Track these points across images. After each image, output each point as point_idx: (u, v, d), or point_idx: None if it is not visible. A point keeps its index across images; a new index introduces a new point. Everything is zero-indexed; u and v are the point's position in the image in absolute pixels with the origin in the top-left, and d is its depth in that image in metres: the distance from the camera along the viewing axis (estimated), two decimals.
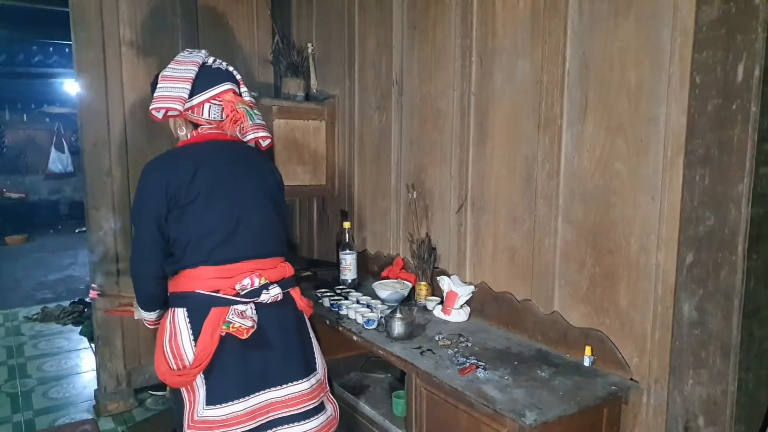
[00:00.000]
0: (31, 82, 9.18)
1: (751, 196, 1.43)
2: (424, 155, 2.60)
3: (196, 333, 1.76)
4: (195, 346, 1.75)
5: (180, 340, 1.77)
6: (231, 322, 1.76)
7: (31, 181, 11.23)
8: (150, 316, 1.97)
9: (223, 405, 1.75)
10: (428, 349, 1.99)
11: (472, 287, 2.31)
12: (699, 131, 1.52)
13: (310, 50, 3.33)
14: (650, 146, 1.69)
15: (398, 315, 2.10)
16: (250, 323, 1.77)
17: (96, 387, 3.35)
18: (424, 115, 2.58)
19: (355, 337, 2.22)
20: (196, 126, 1.94)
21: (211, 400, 1.75)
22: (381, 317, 2.22)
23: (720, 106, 1.46)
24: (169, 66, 1.91)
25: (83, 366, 4.08)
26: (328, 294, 2.60)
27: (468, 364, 1.85)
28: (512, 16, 2.11)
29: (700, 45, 1.50)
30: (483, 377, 1.77)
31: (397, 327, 2.09)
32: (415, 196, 2.60)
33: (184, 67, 1.90)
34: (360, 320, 2.27)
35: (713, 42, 1.47)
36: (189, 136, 1.94)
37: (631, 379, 1.78)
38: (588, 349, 1.88)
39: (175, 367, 1.77)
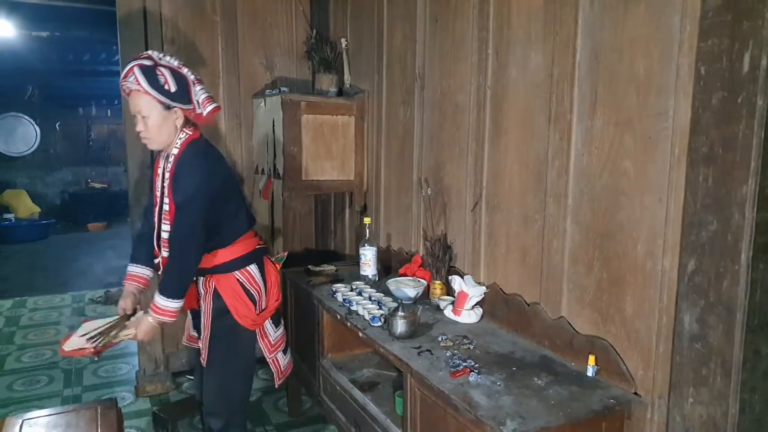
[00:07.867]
0: (112, 79, 9.79)
1: (757, 200, 1.29)
2: (443, 151, 2.53)
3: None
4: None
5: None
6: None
7: (113, 172, 11.94)
8: (179, 304, 2.16)
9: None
10: (427, 350, 1.95)
11: (484, 288, 2.23)
12: (703, 127, 1.39)
13: (343, 45, 3.31)
14: (658, 143, 1.56)
15: (400, 313, 2.06)
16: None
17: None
18: (443, 109, 2.51)
19: (360, 334, 2.20)
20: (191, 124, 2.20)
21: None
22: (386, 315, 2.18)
23: (725, 99, 1.33)
24: (189, 70, 2.17)
25: (134, 347, 4.30)
26: (344, 289, 2.59)
27: (462, 367, 1.79)
28: (527, 4, 2.01)
29: (706, 33, 1.36)
30: (474, 381, 1.71)
31: (399, 325, 2.05)
32: (429, 192, 2.54)
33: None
34: (367, 317, 2.25)
35: (719, 29, 1.33)
36: (185, 134, 2.16)
37: (635, 392, 1.66)
38: (591, 359, 1.77)
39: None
